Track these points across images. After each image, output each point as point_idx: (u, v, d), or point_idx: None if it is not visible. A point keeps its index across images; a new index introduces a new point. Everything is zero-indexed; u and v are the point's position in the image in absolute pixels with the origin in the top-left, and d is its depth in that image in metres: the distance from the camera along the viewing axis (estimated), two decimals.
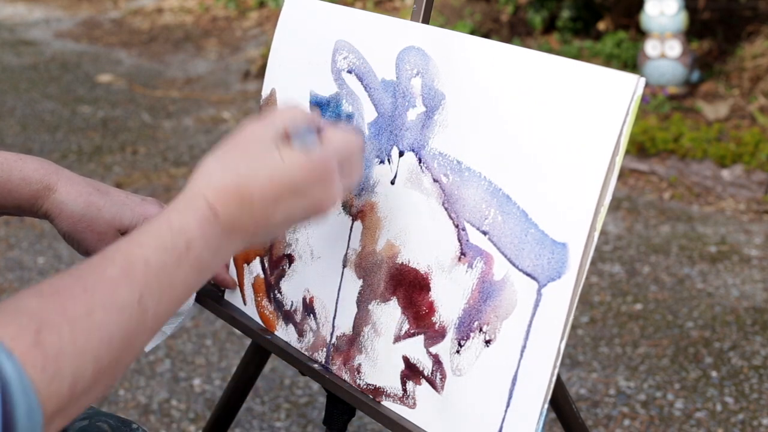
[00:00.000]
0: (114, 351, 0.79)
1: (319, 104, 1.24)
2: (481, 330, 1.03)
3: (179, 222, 0.87)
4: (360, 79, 1.18)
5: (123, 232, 1.21)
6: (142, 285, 0.82)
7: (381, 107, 1.16)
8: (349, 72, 1.20)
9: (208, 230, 0.88)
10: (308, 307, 1.24)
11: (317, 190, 0.92)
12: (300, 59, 1.27)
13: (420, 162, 1.11)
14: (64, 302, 0.77)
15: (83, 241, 1.20)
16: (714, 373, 2.64)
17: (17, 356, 0.71)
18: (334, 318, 1.20)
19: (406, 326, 1.11)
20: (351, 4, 6.49)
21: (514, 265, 1.00)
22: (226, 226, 0.89)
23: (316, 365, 1.22)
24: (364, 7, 6.53)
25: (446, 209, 1.08)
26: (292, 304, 1.26)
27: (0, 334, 0.72)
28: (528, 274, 0.99)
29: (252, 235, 0.91)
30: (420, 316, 1.09)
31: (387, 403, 1.13)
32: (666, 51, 4.60)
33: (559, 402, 1.29)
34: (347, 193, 0.97)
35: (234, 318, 1.33)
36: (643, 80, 0.92)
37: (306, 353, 1.24)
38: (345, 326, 1.18)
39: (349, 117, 1.19)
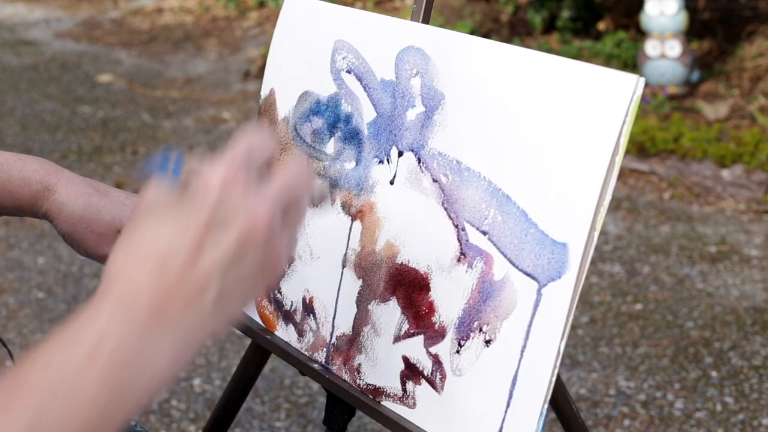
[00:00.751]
0: None
1: (319, 104, 1.24)
2: (481, 330, 1.03)
3: (82, 320, 0.68)
4: (359, 79, 1.18)
5: None
6: (38, 405, 0.65)
7: (380, 107, 1.16)
8: (349, 72, 1.20)
9: (123, 321, 0.68)
10: (308, 307, 1.24)
11: (232, 217, 0.72)
12: (299, 59, 1.27)
13: (419, 162, 1.11)
14: None
15: (83, 242, 1.20)
16: (714, 373, 2.64)
17: None
18: (333, 318, 1.20)
19: (405, 326, 1.11)
20: (351, 4, 6.49)
21: (514, 265, 1.00)
22: (147, 309, 0.69)
23: (316, 365, 1.22)
24: (364, 7, 6.53)
25: (446, 209, 1.07)
26: (291, 304, 1.26)
27: None
28: (528, 274, 0.99)
29: (181, 313, 0.70)
30: (420, 316, 1.09)
31: (387, 403, 1.13)
32: (666, 51, 4.60)
33: (559, 402, 1.29)
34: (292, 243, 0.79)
35: None
36: (642, 80, 0.92)
37: (306, 353, 1.24)
38: (345, 326, 1.18)
39: (348, 117, 1.19)
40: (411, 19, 1.18)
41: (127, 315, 0.68)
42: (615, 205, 3.82)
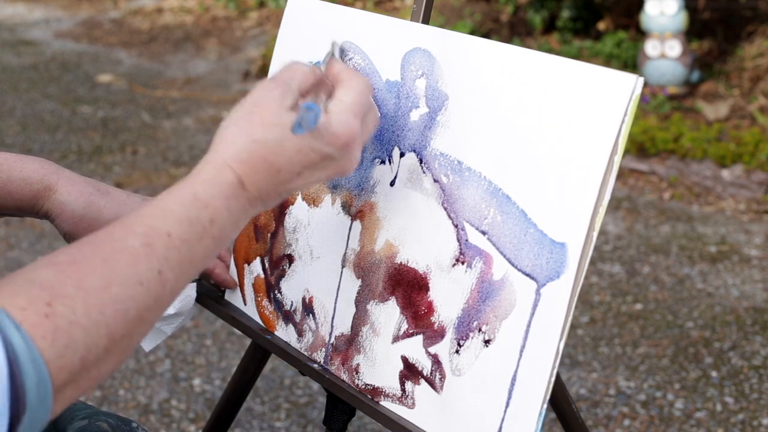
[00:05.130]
0: (129, 324, 0.78)
1: None
2: (480, 330, 1.03)
3: (205, 194, 0.86)
4: None
5: None
6: (163, 259, 0.81)
7: (384, 108, 1.16)
8: None
9: (234, 203, 0.88)
10: (308, 307, 1.24)
11: (342, 157, 0.93)
12: (304, 60, 1.27)
13: (421, 162, 1.11)
14: (81, 273, 0.76)
15: None
16: (714, 373, 2.64)
17: (26, 328, 0.71)
18: (332, 318, 1.20)
19: (404, 326, 1.11)
20: (351, 4, 6.49)
21: (513, 265, 1.00)
22: (251, 196, 0.89)
23: (315, 365, 1.22)
24: (364, 7, 6.53)
25: (446, 209, 1.08)
26: (291, 304, 1.26)
27: (9, 305, 0.71)
28: (527, 274, 0.99)
29: (271, 201, 0.92)
30: (419, 316, 1.10)
31: (386, 403, 1.13)
32: (666, 51, 4.60)
33: (559, 402, 1.29)
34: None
35: (234, 318, 1.33)
36: (641, 80, 0.92)
37: (305, 353, 1.24)
38: (343, 326, 1.18)
39: None
40: (411, 19, 1.18)
41: (237, 202, 0.88)
42: (615, 205, 3.82)
